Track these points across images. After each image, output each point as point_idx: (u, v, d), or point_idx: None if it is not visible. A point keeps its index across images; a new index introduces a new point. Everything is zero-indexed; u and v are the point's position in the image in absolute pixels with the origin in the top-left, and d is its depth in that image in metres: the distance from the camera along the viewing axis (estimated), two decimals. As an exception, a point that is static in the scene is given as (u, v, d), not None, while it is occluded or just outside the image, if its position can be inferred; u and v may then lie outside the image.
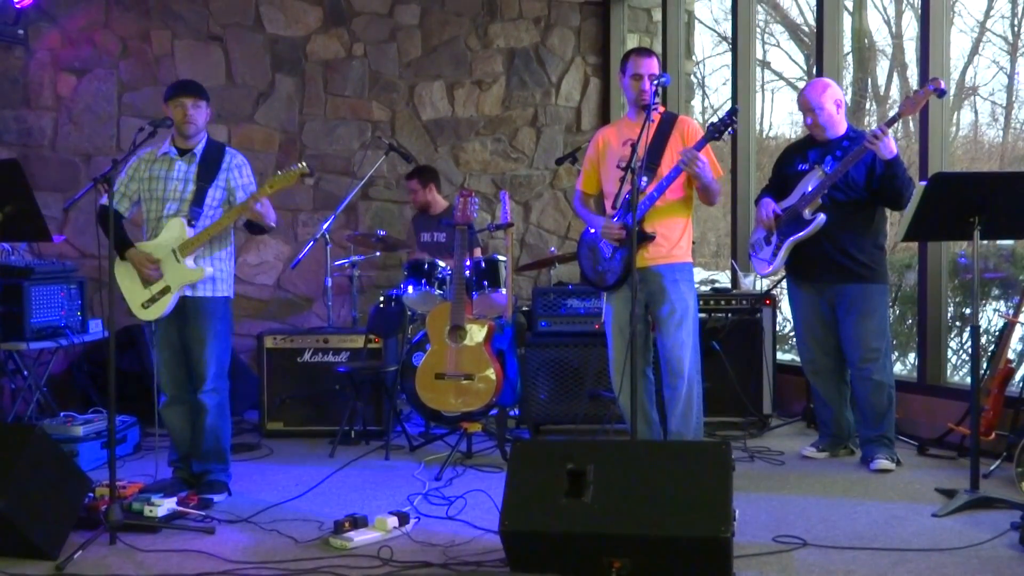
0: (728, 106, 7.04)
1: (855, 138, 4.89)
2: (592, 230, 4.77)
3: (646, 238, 4.57)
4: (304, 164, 4.51)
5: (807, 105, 4.94)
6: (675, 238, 4.65)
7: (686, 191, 4.67)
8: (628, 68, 4.66)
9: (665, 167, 4.58)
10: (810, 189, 4.84)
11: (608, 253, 4.66)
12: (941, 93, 4.56)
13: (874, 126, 10.63)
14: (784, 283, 5.43)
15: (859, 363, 4.91)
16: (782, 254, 4.95)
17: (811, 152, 4.98)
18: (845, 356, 5.01)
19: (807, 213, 4.84)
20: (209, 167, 4.54)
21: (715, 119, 4.56)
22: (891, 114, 4.85)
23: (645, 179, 4.53)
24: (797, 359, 6.81)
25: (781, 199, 5.02)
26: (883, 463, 4.81)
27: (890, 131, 4.63)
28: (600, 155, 4.80)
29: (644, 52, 4.74)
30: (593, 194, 4.92)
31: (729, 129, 4.49)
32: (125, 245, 4.50)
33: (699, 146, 4.47)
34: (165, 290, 4.47)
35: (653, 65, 4.63)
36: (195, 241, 4.46)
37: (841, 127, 4.94)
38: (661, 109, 4.73)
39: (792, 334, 8.20)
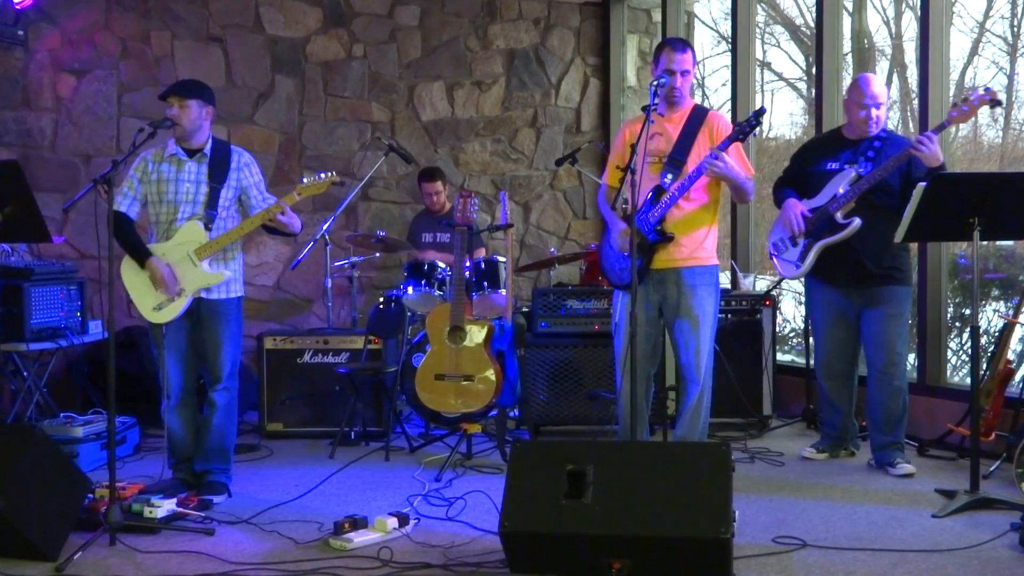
0: (729, 106, 7.05)
1: (887, 139, 4.77)
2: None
3: (665, 239, 4.45)
4: (334, 173, 4.50)
5: (879, 96, 4.73)
6: (698, 240, 4.50)
7: (711, 194, 4.53)
8: (661, 61, 4.51)
9: (692, 164, 4.43)
10: (842, 191, 4.70)
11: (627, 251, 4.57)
12: (996, 103, 4.37)
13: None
14: (784, 284, 5.41)
15: (884, 368, 4.82)
16: (812, 257, 4.79)
17: (842, 152, 4.82)
18: (867, 360, 4.91)
19: (840, 216, 4.70)
20: (219, 167, 4.51)
21: (741, 120, 4.46)
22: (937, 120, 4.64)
23: (669, 176, 4.43)
24: (798, 360, 6.80)
25: (803, 197, 4.86)
26: (907, 467, 4.75)
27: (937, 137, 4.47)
28: (627, 149, 4.53)
29: (679, 47, 4.54)
30: (619, 188, 4.69)
31: (754, 132, 4.34)
32: (143, 252, 4.44)
33: (723, 146, 4.32)
34: (179, 293, 4.45)
35: (687, 62, 4.47)
36: (214, 245, 4.44)
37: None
38: (692, 103, 4.60)
39: (792, 335, 8.20)
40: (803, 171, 4.97)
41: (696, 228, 4.51)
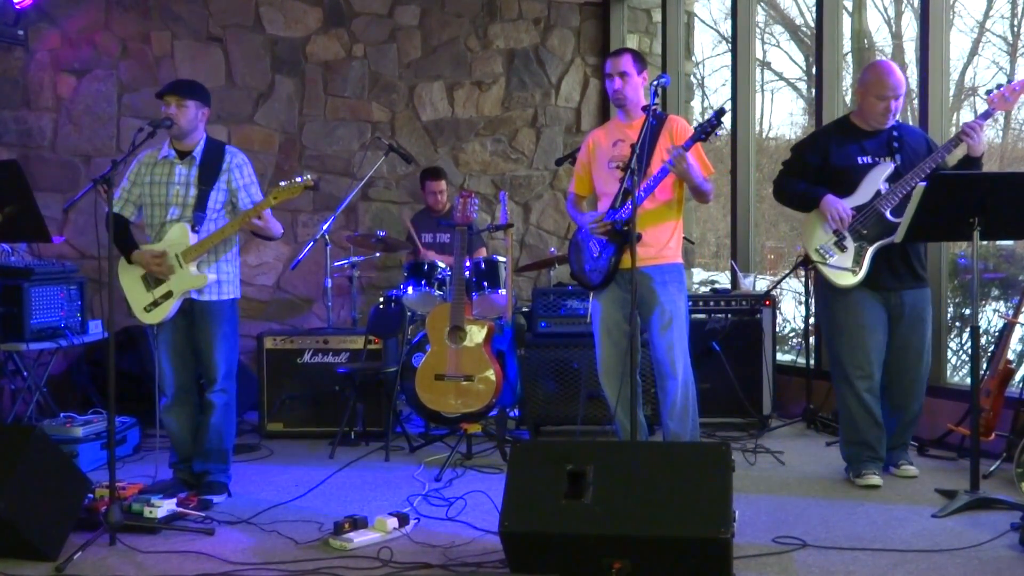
0: (729, 106, 7.04)
1: (902, 128, 4.61)
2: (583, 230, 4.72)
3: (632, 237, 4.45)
4: (309, 177, 4.47)
5: (900, 86, 4.50)
6: (664, 239, 4.57)
7: (675, 192, 4.60)
8: (606, 67, 4.67)
9: (654, 167, 4.49)
10: (884, 187, 4.48)
11: (595, 252, 4.61)
12: None
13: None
14: (784, 284, 5.39)
15: (920, 375, 4.67)
16: (869, 259, 4.49)
17: (866, 144, 4.56)
18: (898, 365, 4.66)
19: (890, 215, 4.45)
20: (209, 169, 4.51)
21: (703, 119, 4.50)
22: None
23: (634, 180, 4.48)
24: (798, 360, 6.78)
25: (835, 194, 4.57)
26: (911, 469, 4.71)
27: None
28: (591, 156, 4.74)
29: (615, 52, 4.73)
30: (586, 196, 4.84)
31: (716, 131, 4.35)
32: (130, 246, 4.48)
33: (686, 146, 4.37)
34: (167, 295, 4.46)
35: (620, 63, 4.58)
36: (198, 248, 4.44)
37: None
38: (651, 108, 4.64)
39: (792, 335, 8.20)
40: (825, 165, 4.61)
41: (661, 227, 4.57)
